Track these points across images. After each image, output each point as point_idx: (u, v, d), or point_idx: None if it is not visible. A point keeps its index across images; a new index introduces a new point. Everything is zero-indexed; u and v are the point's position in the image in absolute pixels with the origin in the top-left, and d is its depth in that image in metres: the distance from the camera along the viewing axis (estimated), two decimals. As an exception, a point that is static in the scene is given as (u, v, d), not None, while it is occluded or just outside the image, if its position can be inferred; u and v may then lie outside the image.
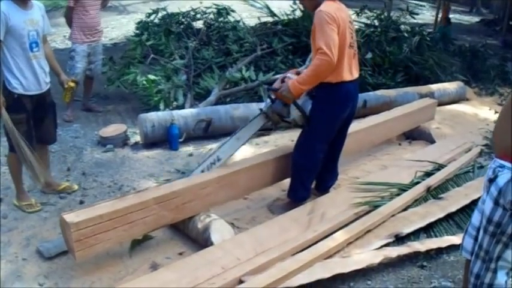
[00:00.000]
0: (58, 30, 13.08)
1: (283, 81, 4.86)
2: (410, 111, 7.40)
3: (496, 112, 9.88)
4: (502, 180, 2.91)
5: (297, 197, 5.17)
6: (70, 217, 3.74)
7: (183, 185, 4.40)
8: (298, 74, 4.83)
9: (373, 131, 6.69)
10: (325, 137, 5.02)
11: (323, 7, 4.59)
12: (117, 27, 15.36)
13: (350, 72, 4.86)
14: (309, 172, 5.14)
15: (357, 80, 5.04)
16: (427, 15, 23.91)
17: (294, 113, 4.92)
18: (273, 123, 5.14)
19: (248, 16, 12.84)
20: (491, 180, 3.01)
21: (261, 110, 5.05)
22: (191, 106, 7.59)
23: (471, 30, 20.87)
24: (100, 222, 3.83)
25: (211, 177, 4.64)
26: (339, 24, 4.56)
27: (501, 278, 3.12)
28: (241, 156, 6.06)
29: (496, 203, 2.96)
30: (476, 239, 3.25)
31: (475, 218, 3.27)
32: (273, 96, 4.90)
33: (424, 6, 31.14)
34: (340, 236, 4.38)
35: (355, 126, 6.20)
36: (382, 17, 11.94)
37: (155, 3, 18.55)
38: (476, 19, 25.32)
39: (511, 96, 3.02)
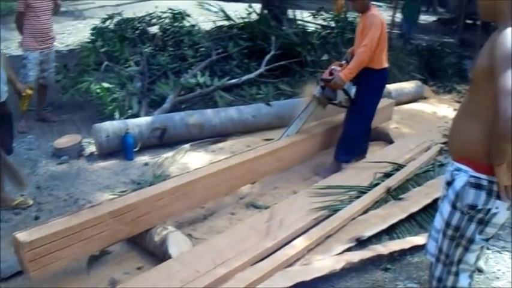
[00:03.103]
0: (13, 36, 12.81)
1: (331, 73, 6.17)
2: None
3: (454, 109, 9.94)
4: (458, 183, 2.86)
5: (344, 159, 6.37)
6: (23, 236, 3.59)
7: (137, 198, 4.29)
8: (340, 65, 6.27)
9: (331, 133, 6.68)
10: (372, 112, 6.41)
11: (375, 12, 6.05)
12: (73, 33, 15.15)
13: (386, 61, 6.30)
14: (358, 140, 6.45)
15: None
16: (384, 16, 24.09)
17: (341, 97, 6.28)
18: (323, 105, 6.43)
19: (204, 20, 12.74)
20: (449, 184, 2.97)
21: (314, 96, 6.32)
22: (146, 114, 7.46)
23: (428, 29, 21.07)
24: (55, 240, 3.69)
25: (166, 188, 4.54)
26: (383, 25, 6.06)
27: (464, 280, 3.08)
28: (198, 164, 6.01)
29: (454, 206, 2.91)
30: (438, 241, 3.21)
31: (437, 221, 3.23)
32: (322, 85, 6.20)
33: (381, 6, 31.36)
34: (300, 243, 4.30)
35: (314, 128, 6.47)
36: (339, 18, 11.94)
37: (112, 8, 18.39)
38: (433, 18, 25.58)
39: (465, 100, 2.97)
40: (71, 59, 9.95)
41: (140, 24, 11.01)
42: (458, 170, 2.89)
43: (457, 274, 3.06)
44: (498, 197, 2.78)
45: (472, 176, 2.81)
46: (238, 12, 11.55)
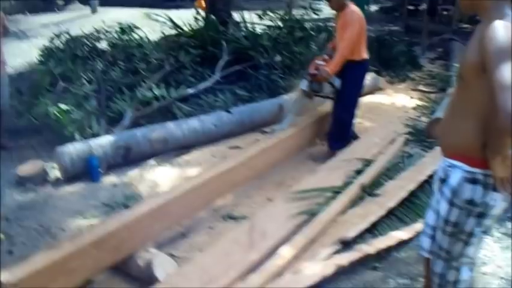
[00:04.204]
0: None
1: (316, 67, 6.73)
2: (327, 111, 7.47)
3: (411, 98, 10.04)
4: (454, 180, 2.85)
5: (338, 146, 6.92)
6: (5, 276, 3.46)
7: (118, 224, 4.17)
8: (324, 60, 6.84)
9: (300, 134, 6.68)
10: (356, 100, 7.04)
11: (353, 8, 6.63)
12: (19, 55, 14.79)
13: (366, 52, 6.86)
14: (347, 127, 7.06)
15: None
16: (327, 10, 24.23)
17: (326, 89, 6.99)
18: (310, 98, 7.14)
19: (151, 31, 12.58)
20: (443, 181, 2.95)
21: (302, 89, 6.99)
22: (106, 132, 7.30)
23: (372, 19, 21.06)
24: (39, 276, 3.57)
25: (144, 210, 4.44)
26: (362, 22, 6.64)
27: (465, 273, 3.11)
28: (166, 180, 6.04)
29: (451, 203, 2.89)
30: (432, 237, 3.21)
31: (430, 218, 3.23)
32: (309, 79, 6.85)
33: (322, 0, 31.50)
34: (286, 252, 4.25)
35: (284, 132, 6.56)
36: (286, 17, 11.92)
37: (54, 25, 18.09)
38: (374, 7, 25.74)
39: (454, 97, 2.95)
40: (22, 82, 9.71)
41: (88, 40, 10.80)
42: (452, 166, 2.87)
43: (458, 268, 3.07)
44: (494, 189, 2.77)
45: (467, 171, 2.80)
46: (184, 19, 11.45)
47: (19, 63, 13.44)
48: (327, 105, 7.50)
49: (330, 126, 7.13)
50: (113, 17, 15.12)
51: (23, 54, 14.72)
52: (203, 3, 26.78)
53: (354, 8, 6.65)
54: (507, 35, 2.44)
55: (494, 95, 2.37)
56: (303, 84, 6.99)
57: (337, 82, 6.82)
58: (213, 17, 11.57)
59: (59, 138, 7.35)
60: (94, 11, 27.60)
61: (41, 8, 28.31)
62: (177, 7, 28.65)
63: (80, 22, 20.43)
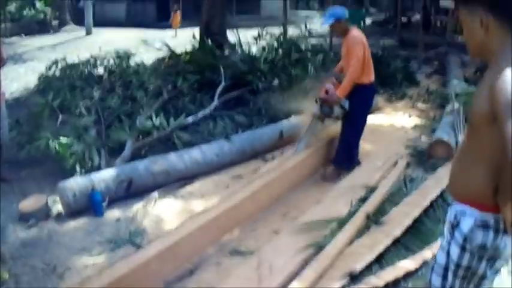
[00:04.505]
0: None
1: (326, 91, 7.08)
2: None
3: (410, 116, 10.05)
4: (465, 226, 2.83)
5: (347, 166, 7.25)
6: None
7: (126, 268, 4.14)
8: (332, 83, 7.22)
9: (304, 163, 6.70)
10: (364, 122, 7.35)
11: (355, 33, 7.06)
12: (16, 79, 14.84)
13: (372, 76, 7.24)
14: (355, 147, 7.41)
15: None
16: (318, 25, 24.32)
17: (337, 111, 7.16)
18: (321, 120, 7.46)
19: (146, 51, 12.63)
20: (454, 225, 2.94)
21: (314, 113, 7.41)
22: (107, 164, 7.28)
23: (365, 33, 21.23)
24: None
25: (153, 252, 4.41)
26: (365, 44, 7.03)
27: None
28: (170, 213, 6.04)
29: (463, 248, 2.88)
30: (444, 277, 3.19)
31: (440, 257, 3.20)
32: (320, 103, 7.19)
33: (313, 15, 31.66)
34: (296, 288, 4.22)
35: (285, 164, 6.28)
36: (282, 39, 11.94)
37: (50, 48, 18.11)
38: (367, 20, 25.85)
39: (464, 143, 2.94)
40: (19, 109, 9.72)
41: (85, 67, 10.80)
42: (463, 211, 2.86)
43: None
44: (505, 233, 2.76)
45: (478, 217, 2.78)
46: (180, 39, 11.49)
47: (16, 88, 13.44)
48: (333, 129, 7.76)
49: (338, 146, 7.42)
50: (107, 38, 15.15)
51: (19, 78, 14.77)
52: (177, 21, 27.30)
53: (355, 33, 7.08)
54: None
55: (505, 147, 2.37)
56: (315, 109, 7.37)
57: (347, 104, 7.11)
58: (209, 42, 11.60)
59: (60, 169, 7.36)
60: (88, 32, 27.70)
61: (36, 30, 28.40)
62: (170, 26, 28.82)
63: (75, 44, 20.50)
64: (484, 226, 2.77)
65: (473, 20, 2.65)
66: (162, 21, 30.85)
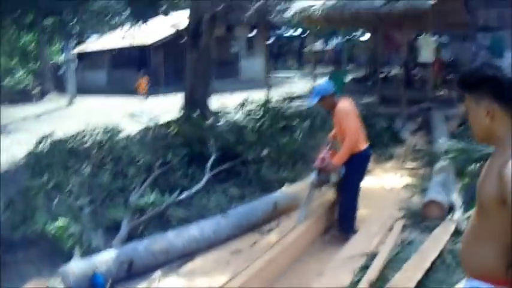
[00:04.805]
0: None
1: (323, 159, 7.35)
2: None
3: (401, 176, 10.14)
4: None
5: (349, 230, 7.37)
6: None
7: None
8: (328, 150, 7.54)
9: (302, 237, 6.77)
10: (359, 186, 7.56)
11: (343, 104, 7.33)
12: (2, 150, 14.76)
13: (365, 142, 7.45)
14: (354, 210, 7.52)
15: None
16: (299, 86, 24.64)
17: (333, 178, 7.43)
18: (319, 187, 7.79)
19: (134, 130, 12.67)
20: None
21: (312, 182, 7.65)
22: (105, 244, 7.27)
23: (346, 92, 21.49)
24: None
25: None
26: (355, 113, 7.34)
27: None
28: None
29: (479, 319, 2.94)
30: None
31: None
32: (317, 171, 7.48)
33: (292, 76, 32.06)
34: None
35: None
36: (267, 107, 12.07)
37: (35, 119, 18.16)
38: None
39: (474, 222, 3.02)
40: (9, 185, 9.69)
41: (73, 144, 10.80)
42: (479, 287, 2.93)
43: None
44: None
45: None
46: (163, 106, 11.59)
47: (3, 160, 13.41)
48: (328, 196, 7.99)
49: (339, 212, 7.67)
50: (91, 107, 15.21)
51: (6, 149, 14.72)
52: (143, 86, 27.65)
53: (343, 104, 7.38)
54: None
55: None
56: (313, 177, 7.62)
57: (343, 171, 7.32)
58: (193, 111, 11.71)
59: (57, 251, 7.32)
60: (72, 101, 27.88)
61: (19, 99, 28.45)
62: (153, 93, 29.05)
63: (60, 114, 20.55)
64: None
65: (479, 108, 2.75)
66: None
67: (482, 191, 2.80)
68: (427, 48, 18.83)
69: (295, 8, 18.78)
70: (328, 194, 8.03)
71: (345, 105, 7.39)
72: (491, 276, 2.85)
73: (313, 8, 17.81)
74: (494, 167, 2.72)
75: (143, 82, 30.34)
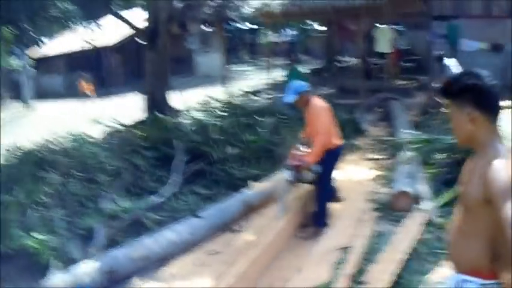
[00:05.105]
0: None
1: (297, 157, 7.52)
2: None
3: (366, 168, 10.30)
4: None
5: (322, 223, 7.55)
6: None
7: None
8: (301, 148, 7.72)
9: (280, 234, 6.91)
10: (331, 180, 7.83)
11: (316, 102, 7.57)
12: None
13: (338, 138, 7.70)
14: (328, 204, 7.69)
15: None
16: (255, 80, 24.71)
17: (308, 176, 7.57)
18: (294, 186, 7.81)
19: (96, 132, 12.60)
20: None
21: (287, 180, 7.70)
22: (84, 255, 7.23)
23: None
24: None
25: None
26: (327, 110, 7.51)
27: None
28: None
29: (467, 313, 3.11)
30: None
31: None
32: (292, 169, 7.56)
33: (247, 69, 32.07)
34: None
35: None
36: (229, 104, 12.13)
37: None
38: (306, 70, 26.14)
39: (460, 220, 3.18)
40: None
41: (40, 153, 10.73)
42: (467, 280, 3.10)
43: None
44: None
45: (482, 284, 3.03)
46: (126, 109, 11.56)
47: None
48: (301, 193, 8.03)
49: (315, 208, 7.73)
50: (51, 114, 15.10)
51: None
52: (86, 87, 27.46)
53: (316, 101, 7.60)
54: (507, 175, 2.73)
55: (504, 230, 2.64)
56: (287, 175, 7.69)
57: (317, 168, 7.46)
58: (161, 115, 11.72)
59: (35, 265, 7.23)
60: (27, 107, 27.59)
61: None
62: (109, 95, 28.84)
63: (20, 122, 20.30)
64: None
65: (462, 114, 2.96)
66: (99, 90, 30.79)
67: (466, 192, 3.00)
68: (384, 38, 19.14)
69: (254, 3, 18.76)
70: (303, 190, 8.10)
71: (319, 102, 7.61)
72: (478, 270, 3.05)
73: (273, 3, 17.89)
74: (476, 169, 2.92)
75: (86, 84, 30.53)
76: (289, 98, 7.60)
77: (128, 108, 17.23)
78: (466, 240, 3.09)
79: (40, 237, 7.33)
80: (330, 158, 7.53)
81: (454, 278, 3.23)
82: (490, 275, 3.01)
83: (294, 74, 15.82)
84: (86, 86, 30.46)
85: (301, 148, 7.77)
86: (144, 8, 16.61)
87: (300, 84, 7.76)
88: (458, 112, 2.99)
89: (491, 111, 2.93)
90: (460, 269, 3.17)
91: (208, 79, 27.72)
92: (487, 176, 2.79)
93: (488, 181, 2.77)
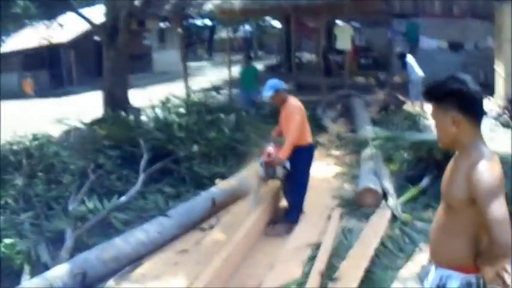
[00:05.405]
0: None
1: (269, 154, 7.78)
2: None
3: (327, 164, 10.41)
4: (452, 286, 3.19)
5: (295, 219, 7.77)
6: None
7: None
8: (273, 145, 7.97)
9: (251, 231, 6.98)
10: (307, 179, 7.96)
11: (292, 101, 7.87)
12: None
13: (310, 137, 8.05)
14: (301, 202, 7.93)
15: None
16: (212, 76, 24.68)
17: (279, 172, 7.74)
18: (265, 181, 8.07)
19: (57, 132, 12.46)
20: (440, 286, 3.28)
21: (259, 175, 7.94)
22: (53, 258, 7.14)
23: (260, 82, 21.54)
24: None
25: None
26: (302, 110, 7.82)
27: None
28: None
29: (450, 305, 3.23)
30: None
31: None
32: (263, 166, 7.81)
33: (204, 66, 31.99)
34: None
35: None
36: (191, 101, 12.11)
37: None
38: (258, 66, 26.14)
39: (442, 217, 3.29)
40: None
41: (2, 154, 10.54)
42: (449, 275, 3.22)
43: None
44: (485, 287, 3.18)
45: (463, 278, 3.17)
46: (84, 107, 11.45)
47: None
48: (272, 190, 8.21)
49: (287, 204, 8.14)
50: (6, 113, 14.86)
51: None
52: (28, 88, 27.31)
53: (292, 101, 7.91)
54: (492, 176, 2.89)
55: (489, 229, 2.80)
56: (260, 171, 7.92)
57: (288, 165, 7.66)
58: (123, 113, 11.65)
59: (4, 270, 7.08)
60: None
61: None
62: (67, 93, 28.51)
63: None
64: (468, 285, 3.19)
65: (446, 117, 3.09)
66: (55, 89, 30.40)
67: (449, 193, 3.14)
68: (344, 35, 19.25)
69: (214, 1, 18.71)
70: (273, 186, 8.32)
71: (294, 101, 7.92)
72: (460, 265, 3.20)
73: (233, 1, 17.88)
74: (460, 171, 3.05)
75: (27, 83, 30.55)
76: (267, 93, 7.85)
77: (87, 106, 17.04)
78: (450, 237, 3.22)
79: (7, 241, 7.22)
80: (301, 154, 7.72)
81: (437, 273, 3.35)
82: (472, 270, 3.16)
83: (249, 71, 15.80)
84: (28, 86, 30.45)
85: (273, 145, 8.00)
86: (104, 4, 16.41)
87: (277, 82, 8.01)
88: (442, 115, 3.11)
89: (475, 114, 3.07)
90: (444, 264, 3.30)
91: (166, 76, 27.67)
92: (472, 178, 2.93)
93: (473, 183, 2.91)
